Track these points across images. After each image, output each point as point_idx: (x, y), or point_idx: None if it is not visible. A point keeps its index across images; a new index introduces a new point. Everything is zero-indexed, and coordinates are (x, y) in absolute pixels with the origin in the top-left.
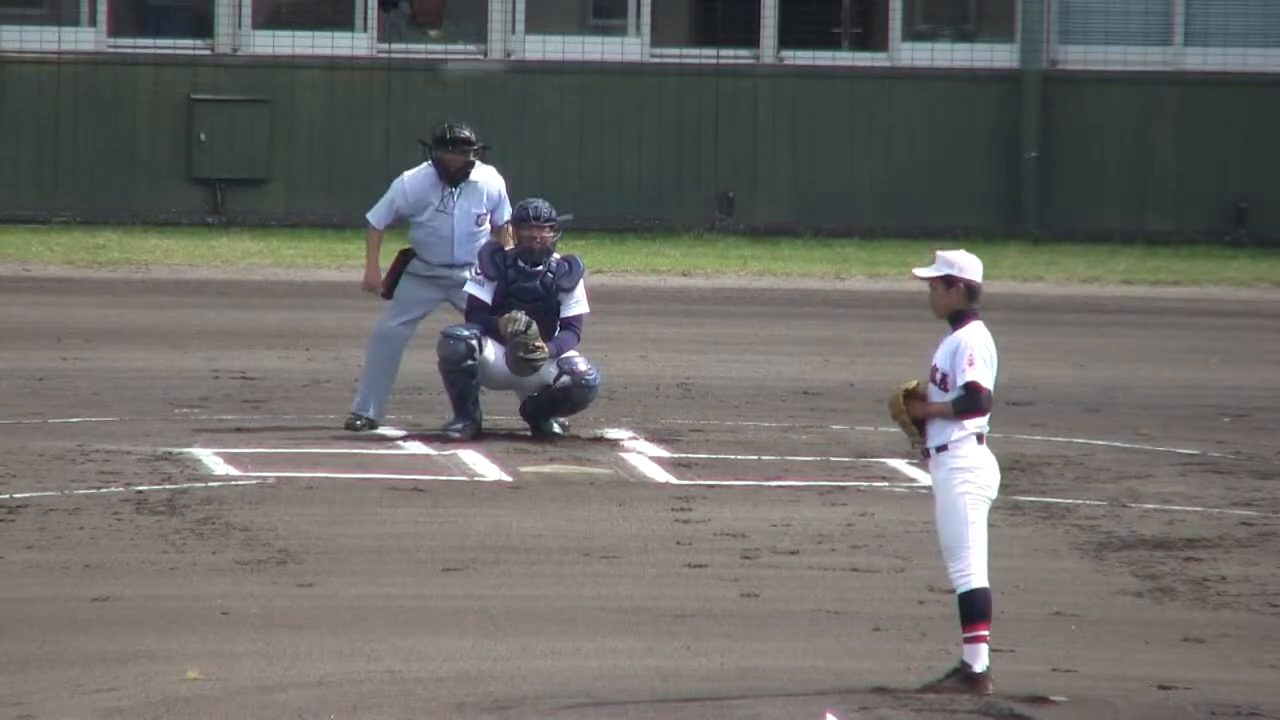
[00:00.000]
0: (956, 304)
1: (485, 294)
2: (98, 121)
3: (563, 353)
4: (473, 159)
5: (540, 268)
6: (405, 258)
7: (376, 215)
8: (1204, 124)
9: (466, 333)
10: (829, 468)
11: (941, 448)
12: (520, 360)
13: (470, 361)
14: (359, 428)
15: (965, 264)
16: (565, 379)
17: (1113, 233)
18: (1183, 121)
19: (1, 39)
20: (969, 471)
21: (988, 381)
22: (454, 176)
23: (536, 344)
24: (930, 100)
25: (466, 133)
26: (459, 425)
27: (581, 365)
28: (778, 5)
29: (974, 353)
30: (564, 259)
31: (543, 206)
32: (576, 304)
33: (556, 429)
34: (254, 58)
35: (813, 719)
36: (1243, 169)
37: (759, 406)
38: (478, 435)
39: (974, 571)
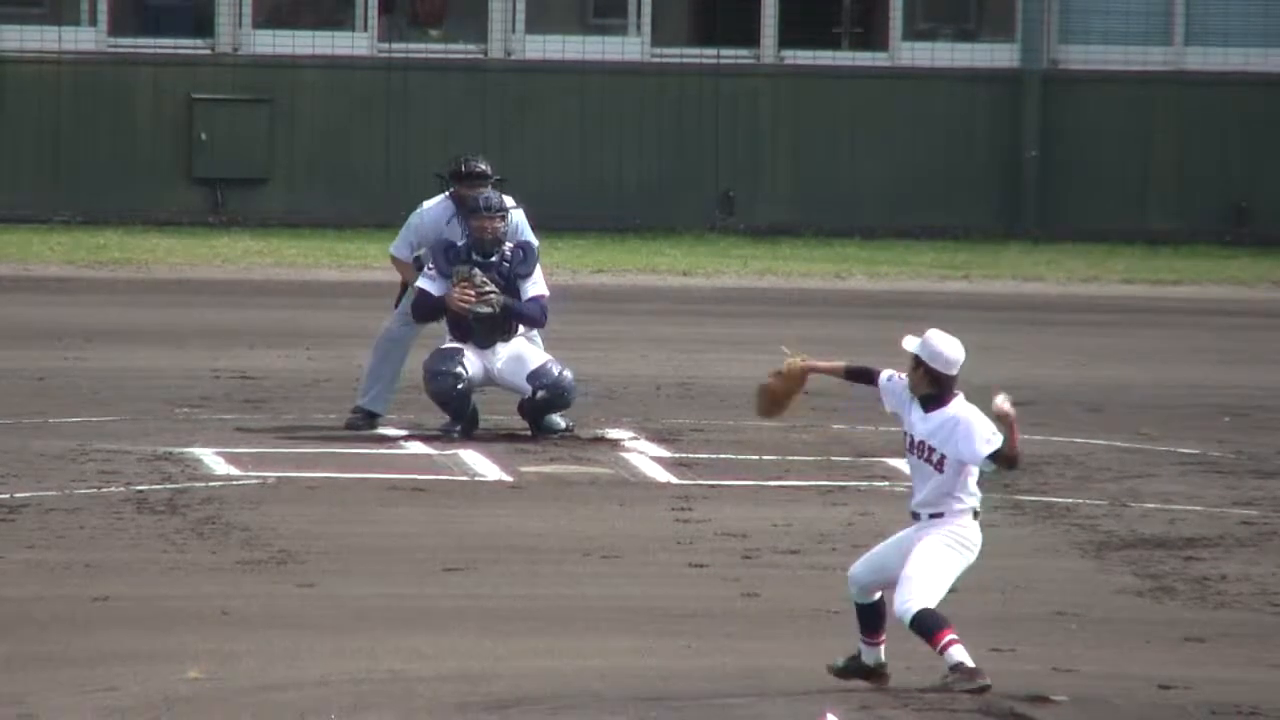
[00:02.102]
0: (922, 387)
1: (435, 288)
2: (98, 121)
3: (520, 320)
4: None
5: (494, 258)
6: (416, 267)
7: (398, 248)
8: (1204, 124)
9: (447, 367)
10: (829, 467)
11: (938, 515)
12: (478, 318)
13: (460, 387)
14: (360, 426)
15: (939, 351)
16: (542, 392)
17: (1113, 232)
18: (1183, 121)
19: (2, 39)
20: (967, 540)
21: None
22: None
23: (486, 291)
24: (930, 100)
25: (483, 166)
26: (457, 426)
27: (554, 372)
28: (778, 5)
29: (987, 425)
30: (518, 246)
31: (494, 197)
32: (534, 286)
33: (561, 423)
34: (254, 57)
35: (813, 719)
36: (1243, 169)
37: None
38: (475, 427)
39: (914, 599)
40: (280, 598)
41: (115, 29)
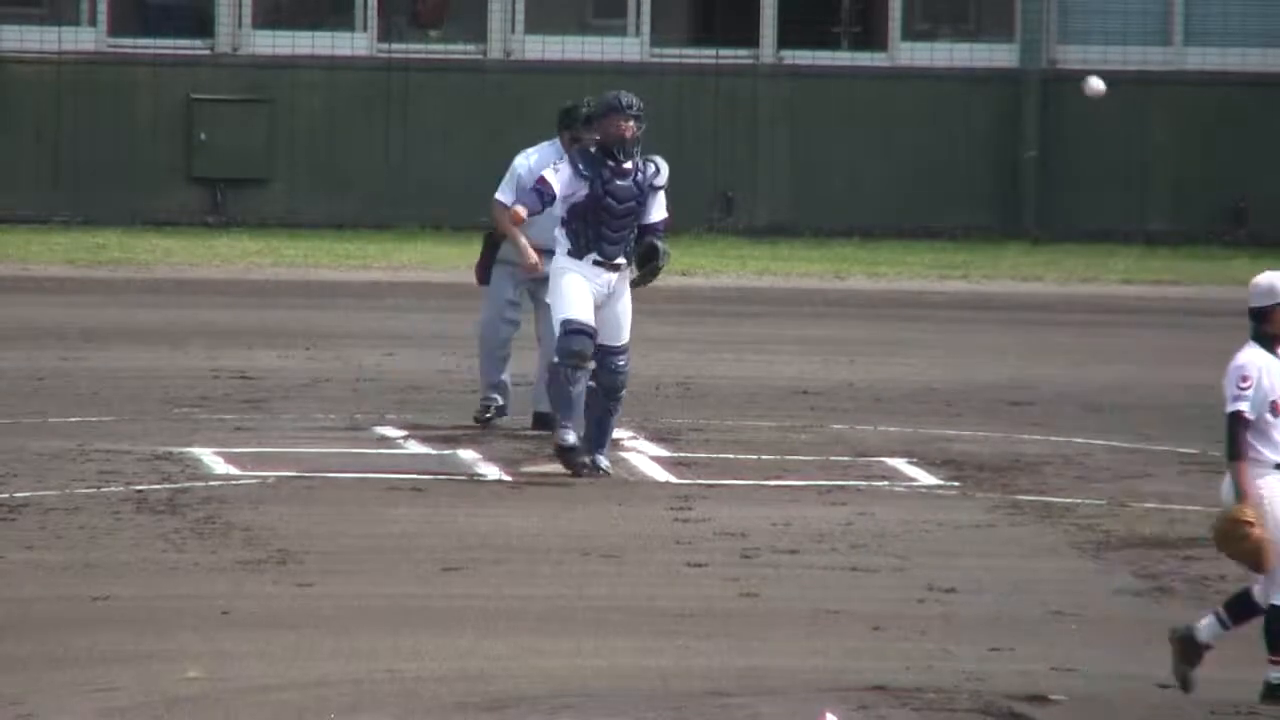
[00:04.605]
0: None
1: (563, 185)
2: (98, 121)
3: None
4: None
5: (630, 165)
6: (494, 243)
7: (504, 193)
8: (1204, 124)
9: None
10: (828, 467)
11: None
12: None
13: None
14: (488, 420)
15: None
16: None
17: (1112, 232)
18: (1183, 121)
19: (2, 39)
20: None
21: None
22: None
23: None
24: (930, 100)
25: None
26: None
27: (622, 362)
28: (777, 5)
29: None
30: (649, 159)
31: (635, 99)
32: (660, 207)
33: (603, 464)
34: (254, 57)
35: (812, 719)
36: (1243, 169)
37: (758, 406)
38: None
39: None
40: (280, 598)
41: (115, 29)
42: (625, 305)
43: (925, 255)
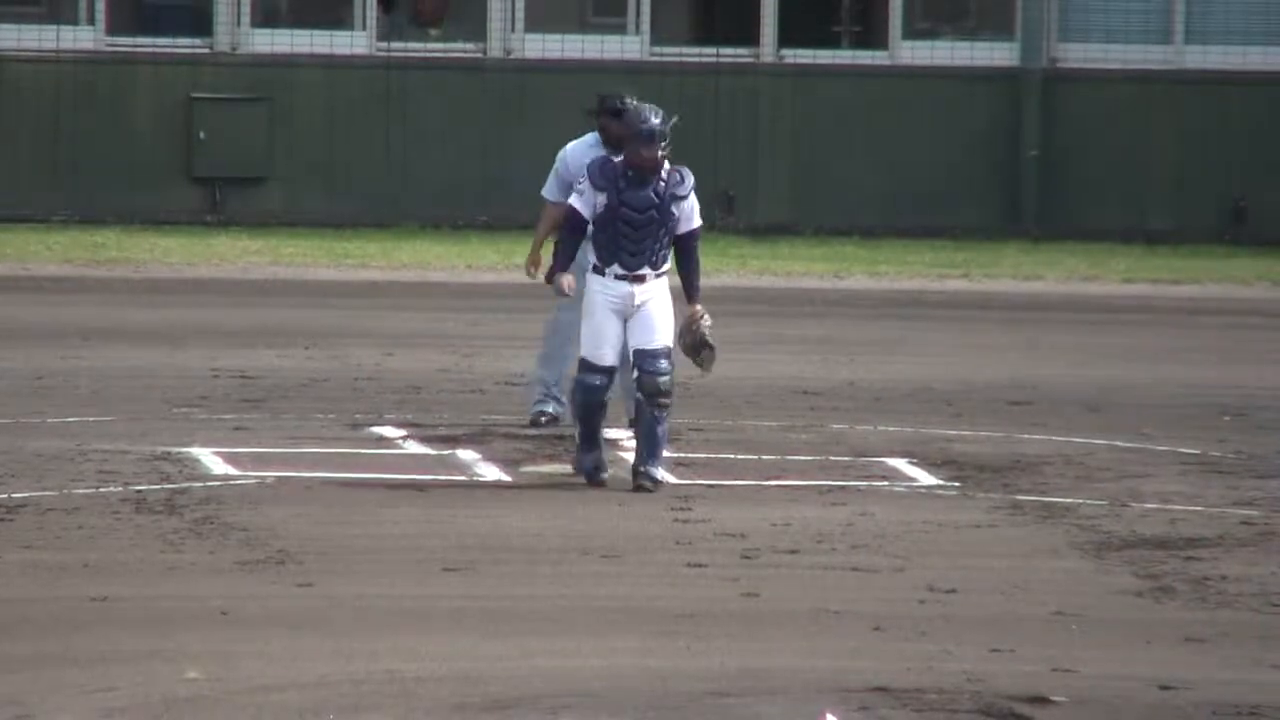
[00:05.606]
0: None
1: (586, 207)
2: (97, 121)
3: (695, 278)
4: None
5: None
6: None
7: (550, 190)
8: (1204, 123)
9: (600, 380)
10: (829, 467)
11: None
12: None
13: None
14: (543, 424)
15: None
16: (637, 373)
17: (1113, 232)
18: (1183, 121)
19: (0, 38)
20: None
21: None
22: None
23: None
24: (930, 99)
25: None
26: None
27: (663, 364)
28: (778, 3)
29: None
30: (675, 169)
31: (666, 128)
32: (693, 215)
33: (658, 475)
34: (253, 56)
35: (813, 719)
36: (1243, 168)
37: (758, 406)
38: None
39: None
40: (279, 598)
41: (114, 28)
42: (658, 307)
43: (925, 255)
